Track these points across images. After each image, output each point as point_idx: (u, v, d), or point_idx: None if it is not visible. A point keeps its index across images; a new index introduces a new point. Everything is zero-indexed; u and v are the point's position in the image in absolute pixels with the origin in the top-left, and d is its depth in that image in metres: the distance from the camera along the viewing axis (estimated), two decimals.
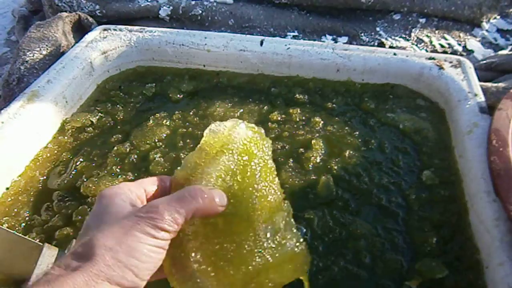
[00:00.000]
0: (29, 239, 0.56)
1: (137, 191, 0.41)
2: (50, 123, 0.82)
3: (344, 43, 1.09)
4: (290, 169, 0.73)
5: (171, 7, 1.17)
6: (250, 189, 0.41)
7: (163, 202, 0.36)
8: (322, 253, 0.61)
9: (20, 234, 0.56)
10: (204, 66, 0.98)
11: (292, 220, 0.44)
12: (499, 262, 0.56)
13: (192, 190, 0.38)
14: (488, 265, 0.58)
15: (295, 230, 0.44)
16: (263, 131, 0.47)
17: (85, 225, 0.38)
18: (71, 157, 0.78)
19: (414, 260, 0.60)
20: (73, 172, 0.75)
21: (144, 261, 0.34)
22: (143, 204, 0.40)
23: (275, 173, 0.45)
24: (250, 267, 0.39)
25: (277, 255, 0.40)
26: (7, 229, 0.56)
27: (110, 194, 0.39)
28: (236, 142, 0.42)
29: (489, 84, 0.89)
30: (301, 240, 0.43)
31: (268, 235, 0.41)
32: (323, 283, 0.57)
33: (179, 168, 0.43)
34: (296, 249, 0.42)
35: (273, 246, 0.40)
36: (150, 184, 0.43)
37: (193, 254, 0.38)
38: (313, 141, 0.78)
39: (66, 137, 0.82)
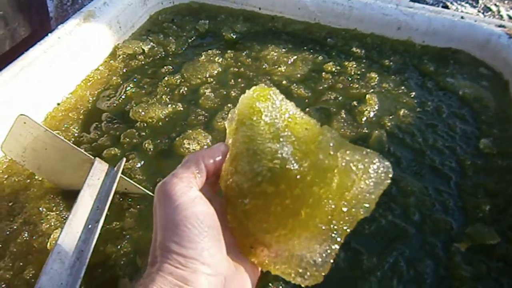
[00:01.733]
0: (82, 151, 0.57)
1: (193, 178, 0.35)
2: (103, 46, 0.81)
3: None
4: (342, 120, 0.71)
5: None
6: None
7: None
8: None
9: (75, 146, 0.56)
10: (259, 9, 0.95)
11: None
12: None
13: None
14: None
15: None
16: (264, 85, 0.39)
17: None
18: (121, 82, 0.78)
19: (465, 224, 0.58)
20: (123, 97, 0.75)
21: (191, 225, 0.30)
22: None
23: (298, 111, 0.39)
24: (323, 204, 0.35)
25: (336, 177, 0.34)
26: (62, 138, 0.56)
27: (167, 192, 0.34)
28: (243, 111, 0.37)
29: None
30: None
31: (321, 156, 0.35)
32: (370, 233, 0.56)
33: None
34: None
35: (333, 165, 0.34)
36: (210, 158, 0.37)
37: (262, 229, 0.34)
38: (367, 96, 0.75)
39: (117, 62, 0.81)
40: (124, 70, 0.80)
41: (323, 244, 0.34)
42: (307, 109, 0.72)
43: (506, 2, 1.04)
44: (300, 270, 0.33)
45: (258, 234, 0.34)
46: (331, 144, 0.35)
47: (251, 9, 0.96)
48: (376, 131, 0.69)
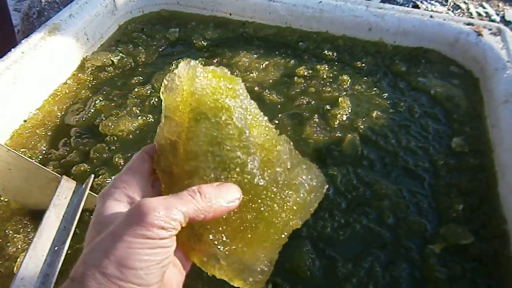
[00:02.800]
0: (48, 170, 0.55)
1: (138, 180, 0.33)
2: (70, 59, 0.80)
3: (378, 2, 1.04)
4: (315, 125, 0.71)
5: None
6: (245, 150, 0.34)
7: (158, 198, 0.30)
8: (345, 210, 0.59)
9: (40, 165, 0.55)
10: (230, 14, 0.94)
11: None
12: None
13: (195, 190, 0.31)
14: None
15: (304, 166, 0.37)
16: (226, 70, 0.37)
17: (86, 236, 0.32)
18: (90, 95, 0.76)
19: (439, 225, 0.58)
20: (92, 111, 0.73)
21: (141, 267, 0.28)
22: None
23: (260, 114, 0.38)
24: (277, 222, 0.34)
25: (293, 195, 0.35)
26: (27, 158, 0.55)
27: (103, 195, 0.32)
28: (205, 100, 0.34)
29: None
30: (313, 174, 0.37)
31: (280, 179, 0.34)
32: (344, 239, 0.56)
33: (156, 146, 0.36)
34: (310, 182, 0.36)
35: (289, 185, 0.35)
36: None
37: (211, 237, 0.33)
38: (340, 99, 0.75)
39: (85, 75, 0.80)
40: (93, 83, 0.79)
41: (270, 254, 0.34)
42: (280, 115, 0.72)
43: None
44: (245, 276, 0.33)
45: (211, 244, 0.33)
46: (287, 157, 0.35)
47: (222, 15, 0.95)
48: (349, 135, 0.69)
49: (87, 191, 0.54)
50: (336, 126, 0.71)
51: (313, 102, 0.75)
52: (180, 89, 0.35)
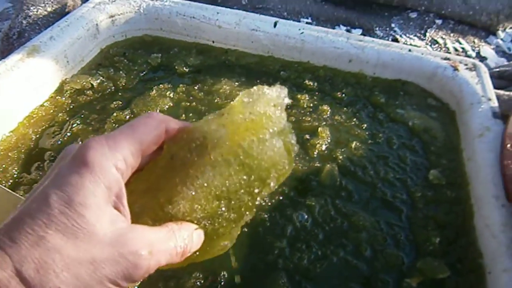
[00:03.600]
0: (18, 195, 0.53)
1: (123, 151, 0.32)
2: (49, 82, 0.78)
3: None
4: (295, 155, 0.70)
5: None
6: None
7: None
8: (322, 242, 0.58)
9: (8, 189, 0.53)
10: (213, 42, 0.95)
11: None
12: (503, 268, 0.54)
13: None
14: (491, 271, 0.56)
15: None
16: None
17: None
18: (67, 118, 0.75)
19: (416, 258, 0.58)
20: (68, 134, 0.72)
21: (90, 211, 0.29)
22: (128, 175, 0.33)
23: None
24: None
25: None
26: None
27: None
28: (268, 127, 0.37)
29: (501, 92, 0.87)
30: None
31: None
32: (321, 271, 0.55)
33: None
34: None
35: None
36: (152, 133, 0.35)
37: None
38: (319, 129, 0.75)
39: (64, 98, 0.78)
40: (71, 106, 0.77)
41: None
42: None
43: (451, 35, 1.09)
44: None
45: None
46: None
47: (205, 42, 0.95)
48: (328, 165, 0.69)
49: None
50: (315, 156, 0.71)
51: (293, 131, 0.75)
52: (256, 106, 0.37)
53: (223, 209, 0.34)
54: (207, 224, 0.34)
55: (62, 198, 0.28)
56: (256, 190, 0.35)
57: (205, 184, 0.33)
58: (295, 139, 0.39)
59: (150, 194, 0.34)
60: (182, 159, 0.35)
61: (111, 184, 0.30)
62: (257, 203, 0.36)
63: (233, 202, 0.35)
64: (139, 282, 0.33)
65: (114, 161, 0.31)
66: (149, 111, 0.37)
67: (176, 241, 0.32)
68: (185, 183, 0.33)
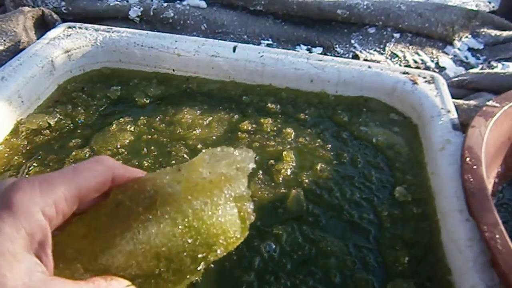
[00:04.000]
0: None
1: (55, 196, 0.30)
2: (2, 124, 0.76)
3: (319, 53, 1.07)
4: (260, 181, 0.70)
5: (141, 8, 1.12)
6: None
7: None
8: (290, 271, 0.57)
9: None
10: (173, 70, 0.94)
11: None
12: (471, 284, 0.54)
13: None
14: (460, 287, 0.56)
15: None
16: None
17: None
18: (23, 161, 0.72)
19: (386, 280, 0.57)
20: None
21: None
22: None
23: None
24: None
25: None
26: None
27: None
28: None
29: (460, 101, 0.89)
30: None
31: None
32: None
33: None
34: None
35: None
36: (95, 180, 0.33)
37: None
38: (284, 153, 0.75)
39: (19, 140, 0.76)
40: (27, 148, 0.75)
41: None
42: None
43: (410, 47, 1.11)
44: None
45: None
46: None
47: (165, 71, 0.95)
48: (294, 190, 0.68)
49: None
50: (280, 181, 0.70)
51: (257, 157, 0.74)
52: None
53: (162, 269, 0.33)
54: (142, 282, 0.32)
55: None
56: (200, 255, 0.34)
57: (145, 241, 0.32)
58: (253, 207, 0.37)
59: (87, 241, 0.33)
60: (128, 209, 0.34)
61: (33, 230, 0.28)
62: (200, 268, 0.34)
63: (173, 264, 0.33)
64: None
65: (42, 205, 0.29)
66: (98, 156, 0.34)
67: None
68: (124, 236, 0.32)
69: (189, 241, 0.33)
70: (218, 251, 0.34)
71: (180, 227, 0.33)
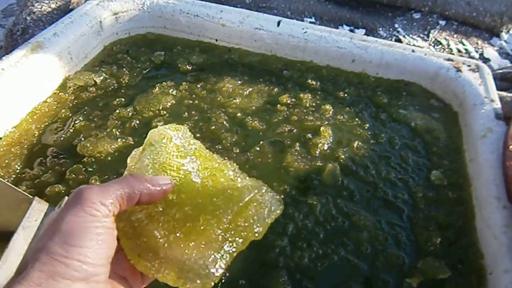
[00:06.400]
0: (19, 190, 0.53)
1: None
2: (52, 78, 0.79)
3: None
4: (296, 153, 0.70)
5: None
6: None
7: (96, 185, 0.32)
8: (323, 241, 0.58)
9: (11, 184, 0.53)
10: (216, 40, 0.95)
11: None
12: (504, 269, 0.54)
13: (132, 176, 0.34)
14: (492, 271, 0.56)
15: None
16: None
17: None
18: (70, 115, 0.75)
19: (417, 258, 0.58)
20: (71, 130, 0.72)
21: (86, 245, 0.28)
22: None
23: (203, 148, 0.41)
24: (219, 219, 0.35)
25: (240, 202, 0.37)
26: None
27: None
28: (152, 137, 0.40)
29: (504, 94, 0.87)
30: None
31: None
32: (322, 270, 0.55)
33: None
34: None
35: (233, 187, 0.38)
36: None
37: (156, 233, 0.34)
38: (322, 128, 0.75)
39: (67, 94, 0.78)
40: (74, 103, 0.78)
41: (217, 253, 0.34)
42: (261, 142, 0.71)
43: (455, 36, 1.08)
44: (189, 276, 0.33)
45: (148, 235, 0.34)
46: (231, 173, 0.39)
47: (208, 41, 0.96)
48: (330, 164, 0.69)
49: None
50: (317, 155, 0.71)
51: (295, 130, 0.75)
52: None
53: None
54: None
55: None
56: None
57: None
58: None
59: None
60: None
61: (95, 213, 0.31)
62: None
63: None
64: None
65: (100, 198, 0.31)
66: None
67: None
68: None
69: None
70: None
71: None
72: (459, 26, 1.11)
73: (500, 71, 0.99)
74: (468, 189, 0.68)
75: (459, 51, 1.05)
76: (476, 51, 1.07)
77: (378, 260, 0.57)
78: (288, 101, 0.81)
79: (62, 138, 0.70)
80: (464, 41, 1.08)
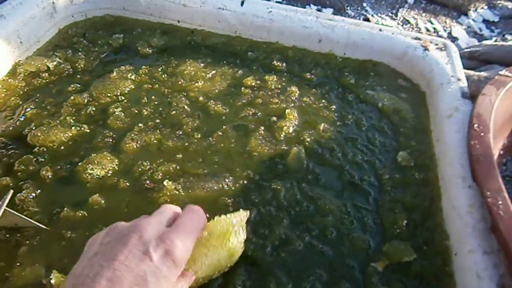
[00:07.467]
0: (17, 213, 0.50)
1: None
2: (0, 64, 0.74)
3: None
4: (260, 137, 0.68)
5: None
6: None
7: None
8: (287, 226, 0.57)
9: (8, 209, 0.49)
10: (178, 22, 0.91)
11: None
12: (469, 250, 0.53)
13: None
14: (457, 252, 0.55)
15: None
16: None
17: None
18: (20, 102, 0.71)
19: (383, 241, 0.57)
20: (21, 119, 0.68)
21: None
22: None
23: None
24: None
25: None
26: None
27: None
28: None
29: (471, 72, 0.87)
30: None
31: None
32: (285, 256, 0.53)
33: None
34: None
35: None
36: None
37: None
38: (287, 111, 0.73)
39: (17, 81, 0.74)
40: (25, 90, 0.73)
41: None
42: (224, 127, 0.69)
43: (423, 15, 1.07)
44: None
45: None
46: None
47: (170, 22, 0.92)
48: (295, 148, 0.67)
49: (3, 207, 0.49)
50: (282, 138, 0.69)
51: (260, 113, 0.73)
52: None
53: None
54: None
55: None
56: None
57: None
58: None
59: None
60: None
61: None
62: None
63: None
64: None
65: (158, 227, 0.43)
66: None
67: None
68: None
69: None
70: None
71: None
72: (427, 5, 1.10)
73: (468, 49, 0.99)
74: (435, 169, 0.67)
75: (427, 30, 1.04)
76: (445, 30, 1.06)
77: (344, 245, 0.56)
78: (253, 84, 0.79)
79: (11, 128, 0.66)
80: (432, 19, 1.07)
